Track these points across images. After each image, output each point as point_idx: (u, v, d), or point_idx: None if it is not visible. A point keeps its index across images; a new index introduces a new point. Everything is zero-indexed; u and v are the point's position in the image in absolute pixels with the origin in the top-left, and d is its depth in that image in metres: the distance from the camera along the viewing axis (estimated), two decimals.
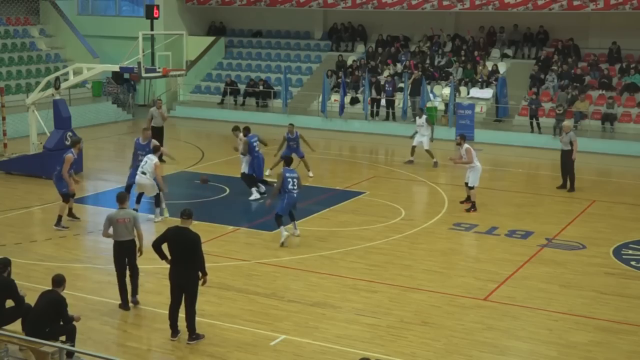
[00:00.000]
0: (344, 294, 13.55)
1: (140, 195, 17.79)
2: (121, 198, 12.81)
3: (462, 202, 19.32)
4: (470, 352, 11.39)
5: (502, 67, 31.66)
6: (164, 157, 20.10)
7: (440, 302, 13.26)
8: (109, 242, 12.93)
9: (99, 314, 12.59)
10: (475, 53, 32.39)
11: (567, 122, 23.55)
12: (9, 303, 10.62)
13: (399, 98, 30.81)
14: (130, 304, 12.72)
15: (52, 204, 18.57)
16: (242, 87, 34.37)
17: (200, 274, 11.46)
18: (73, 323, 10.53)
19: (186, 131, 31.16)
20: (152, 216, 17.77)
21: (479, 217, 18.42)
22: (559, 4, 29.87)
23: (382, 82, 31.20)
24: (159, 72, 22.58)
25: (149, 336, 11.89)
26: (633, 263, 15.50)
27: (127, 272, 12.69)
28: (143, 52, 22.25)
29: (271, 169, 21.34)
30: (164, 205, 17.78)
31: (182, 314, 11.53)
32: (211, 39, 36.92)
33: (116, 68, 23.07)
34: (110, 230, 12.54)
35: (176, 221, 11.83)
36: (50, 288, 10.45)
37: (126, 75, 32.58)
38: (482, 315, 12.72)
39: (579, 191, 20.94)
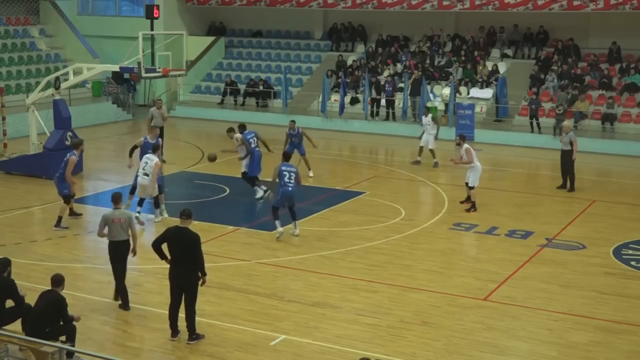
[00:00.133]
0: (344, 294, 13.55)
1: (142, 200, 17.42)
2: (116, 198, 12.91)
3: (462, 202, 19.32)
4: (470, 352, 11.39)
5: (502, 67, 31.66)
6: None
7: (440, 302, 13.26)
8: None
9: (99, 314, 12.59)
10: (475, 53, 32.39)
11: (567, 122, 23.54)
12: (9, 303, 10.62)
13: (399, 98, 30.81)
14: (117, 301, 12.84)
15: (52, 204, 18.57)
16: (242, 87, 34.37)
17: (199, 274, 11.46)
18: (73, 323, 10.54)
19: (186, 131, 31.17)
20: (152, 216, 17.76)
21: (479, 217, 18.42)
22: (559, 4, 29.87)
23: (382, 82, 31.21)
24: (159, 72, 22.58)
25: (149, 336, 11.88)
26: (633, 263, 15.50)
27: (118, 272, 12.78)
28: (143, 52, 22.25)
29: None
30: (163, 206, 17.77)
31: (182, 314, 11.53)
32: (211, 39, 36.93)
33: (116, 68, 23.07)
34: (105, 230, 12.61)
35: (176, 221, 11.83)
36: (50, 288, 10.46)
37: (126, 75, 32.59)
38: (482, 315, 12.71)
39: (579, 191, 20.94)
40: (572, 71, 30.09)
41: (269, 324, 12.23)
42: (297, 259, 15.38)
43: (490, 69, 31.37)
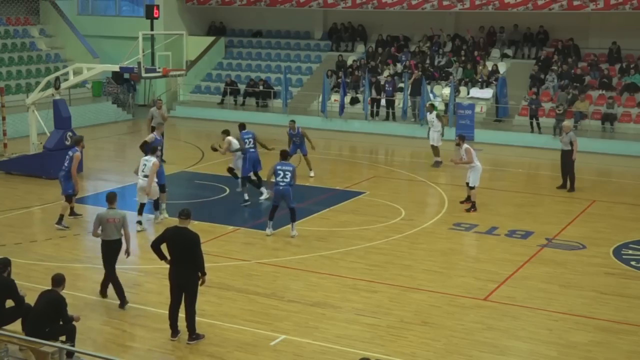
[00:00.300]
0: (344, 294, 13.55)
1: (142, 206, 17.06)
2: (110, 198, 12.94)
3: (462, 202, 19.32)
4: (470, 352, 11.39)
5: (502, 67, 31.66)
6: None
7: (440, 302, 13.26)
8: None
9: (98, 314, 12.60)
10: (475, 53, 32.38)
11: (567, 122, 23.54)
12: (9, 303, 10.62)
13: (399, 98, 30.81)
14: (102, 297, 12.94)
15: (52, 204, 18.58)
16: (242, 87, 34.37)
17: (199, 274, 11.46)
18: (73, 323, 10.54)
19: (186, 131, 31.16)
20: (152, 216, 17.75)
21: (479, 217, 18.41)
22: (559, 4, 29.87)
23: (382, 82, 31.20)
24: (159, 72, 22.57)
25: (149, 336, 11.88)
26: (633, 263, 15.49)
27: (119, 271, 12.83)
28: (143, 52, 22.24)
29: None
30: (164, 206, 17.76)
31: (182, 314, 11.53)
32: (211, 39, 36.93)
33: (116, 68, 23.06)
34: (100, 230, 12.66)
35: (176, 221, 11.83)
36: (50, 288, 10.46)
37: (126, 75, 32.57)
38: (482, 315, 12.71)
39: (579, 191, 20.94)
40: (572, 71, 30.08)
41: (269, 324, 12.23)
42: (297, 259, 15.38)
43: (490, 69, 31.37)
